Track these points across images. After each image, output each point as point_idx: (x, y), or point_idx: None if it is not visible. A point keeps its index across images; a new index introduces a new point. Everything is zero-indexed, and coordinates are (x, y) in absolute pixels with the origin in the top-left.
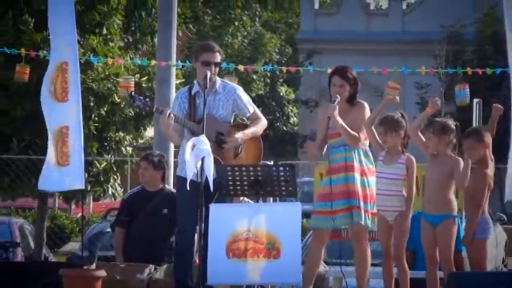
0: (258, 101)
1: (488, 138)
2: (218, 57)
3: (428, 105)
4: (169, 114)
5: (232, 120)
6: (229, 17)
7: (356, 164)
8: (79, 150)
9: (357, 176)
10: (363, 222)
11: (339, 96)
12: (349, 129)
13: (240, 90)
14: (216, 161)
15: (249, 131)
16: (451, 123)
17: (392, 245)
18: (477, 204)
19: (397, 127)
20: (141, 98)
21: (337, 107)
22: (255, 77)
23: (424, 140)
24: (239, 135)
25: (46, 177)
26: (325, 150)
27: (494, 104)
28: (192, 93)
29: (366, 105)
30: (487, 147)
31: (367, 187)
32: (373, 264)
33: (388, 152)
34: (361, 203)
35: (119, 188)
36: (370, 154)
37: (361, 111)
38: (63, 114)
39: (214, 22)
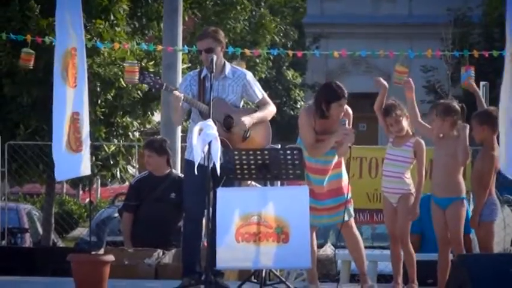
0: (264, 85)
1: (492, 120)
2: (209, 43)
3: (406, 91)
4: (179, 94)
5: (241, 106)
6: (230, 1)
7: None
8: (87, 136)
9: (331, 172)
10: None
11: (346, 120)
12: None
13: (250, 76)
14: (224, 144)
15: (257, 116)
16: (455, 104)
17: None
18: (484, 186)
19: (401, 113)
20: (152, 75)
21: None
22: (257, 60)
23: (427, 126)
24: (247, 119)
25: (61, 166)
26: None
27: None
28: (202, 76)
29: (350, 111)
30: (490, 129)
31: (344, 178)
32: (380, 247)
33: (397, 135)
34: (341, 197)
35: (131, 171)
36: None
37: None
38: (74, 100)
39: (216, 7)
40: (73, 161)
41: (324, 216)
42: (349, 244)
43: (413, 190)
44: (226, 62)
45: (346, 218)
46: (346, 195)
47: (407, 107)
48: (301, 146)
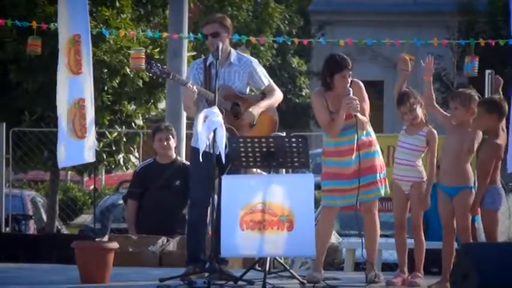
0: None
1: (500, 109)
2: (215, 28)
3: (424, 74)
4: (193, 86)
5: (247, 92)
6: None
7: (365, 138)
8: (92, 123)
9: (368, 149)
10: (383, 194)
11: (351, 89)
12: (361, 117)
13: (256, 63)
14: (231, 132)
15: (264, 104)
16: (475, 93)
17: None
18: (484, 173)
19: (419, 99)
20: (158, 64)
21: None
22: (262, 48)
23: (442, 111)
24: (255, 109)
25: (65, 152)
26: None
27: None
28: (207, 64)
29: (361, 83)
30: (497, 118)
31: (375, 157)
32: (385, 236)
33: (412, 123)
34: (375, 175)
35: (133, 159)
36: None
37: (361, 93)
38: (79, 87)
39: None
40: (77, 148)
41: (353, 195)
42: (366, 229)
43: (425, 178)
44: (232, 49)
45: (382, 194)
46: (379, 173)
47: (423, 89)
48: (325, 138)
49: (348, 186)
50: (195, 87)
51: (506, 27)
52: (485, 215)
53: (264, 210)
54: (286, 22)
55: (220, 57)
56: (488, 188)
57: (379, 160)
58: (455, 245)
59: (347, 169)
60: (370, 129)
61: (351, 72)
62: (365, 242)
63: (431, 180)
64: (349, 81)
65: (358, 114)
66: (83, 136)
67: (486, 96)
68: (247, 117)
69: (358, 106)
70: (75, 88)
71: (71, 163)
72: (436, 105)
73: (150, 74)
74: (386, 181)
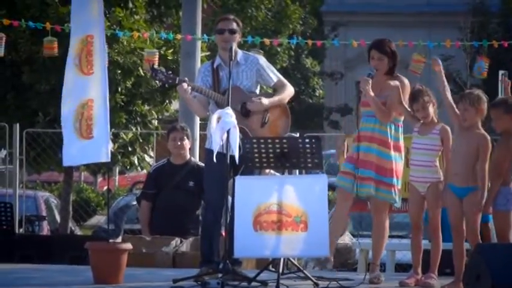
0: (283, 73)
1: None
2: (233, 25)
3: (434, 67)
4: (186, 85)
5: (258, 91)
6: None
7: (386, 138)
8: (105, 123)
9: (390, 151)
10: (392, 200)
11: (375, 70)
12: (379, 104)
13: (263, 60)
14: (242, 131)
15: (275, 98)
16: (483, 94)
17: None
18: (498, 173)
19: (432, 98)
20: (163, 71)
21: (370, 81)
22: (279, 49)
23: (455, 108)
24: (264, 100)
25: (69, 151)
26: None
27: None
28: (215, 66)
29: (406, 80)
30: None
31: (398, 162)
32: (399, 236)
33: (424, 123)
34: (394, 180)
35: (148, 159)
36: (400, 130)
37: (396, 88)
38: (89, 87)
39: None
40: (83, 148)
41: (365, 185)
42: (374, 230)
43: (442, 178)
44: (238, 49)
45: (390, 200)
46: (394, 179)
47: (440, 84)
48: None
49: (360, 174)
50: (188, 87)
51: None
52: (498, 217)
53: (280, 211)
54: (301, 23)
55: (233, 58)
56: (501, 189)
57: (399, 166)
58: (467, 246)
59: (364, 155)
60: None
61: (380, 55)
62: (372, 243)
63: (447, 179)
64: (380, 63)
65: (371, 95)
66: (88, 137)
67: (499, 96)
68: (254, 104)
69: (367, 83)
70: (84, 89)
71: (75, 162)
72: (450, 98)
73: (158, 81)
74: (398, 190)
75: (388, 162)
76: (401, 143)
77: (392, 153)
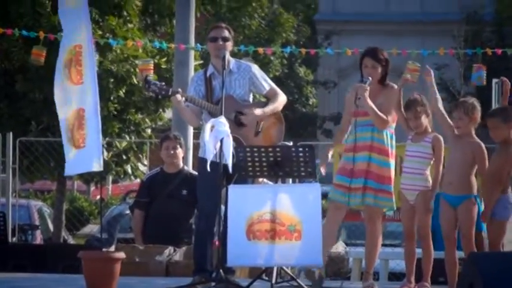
0: (276, 82)
1: None
2: (226, 33)
3: (426, 77)
4: (180, 96)
5: (251, 100)
6: None
7: (383, 146)
8: (96, 132)
9: (389, 159)
10: (392, 207)
11: (370, 78)
12: (377, 110)
13: (255, 68)
14: (236, 140)
15: (269, 108)
16: (477, 102)
17: (415, 225)
18: (498, 182)
19: (426, 108)
20: (157, 82)
21: (368, 88)
22: (272, 58)
23: (447, 118)
24: (258, 111)
25: (67, 161)
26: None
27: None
28: (208, 75)
29: (396, 88)
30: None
31: (390, 168)
32: (392, 245)
33: (417, 132)
34: (392, 187)
35: (141, 168)
36: (394, 138)
37: (392, 94)
38: (79, 97)
39: (232, 3)
40: (77, 157)
41: (358, 196)
42: (367, 239)
43: (431, 187)
44: (231, 57)
45: (380, 206)
46: (391, 186)
47: (431, 93)
48: None
49: (352, 185)
50: (181, 98)
51: None
52: (495, 225)
53: (273, 220)
54: (294, 31)
55: (226, 67)
56: (500, 197)
57: (389, 172)
58: (461, 254)
59: (346, 163)
60: (390, 140)
61: (373, 62)
62: (365, 252)
63: (436, 187)
64: (373, 71)
65: (369, 103)
66: (81, 146)
67: (493, 105)
68: (249, 116)
69: (366, 90)
70: (74, 98)
71: (71, 172)
72: (442, 109)
73: (150, 93)
74: (393, 196)
75: (387, 170)
76: (394, 151)
77: (391, 160)
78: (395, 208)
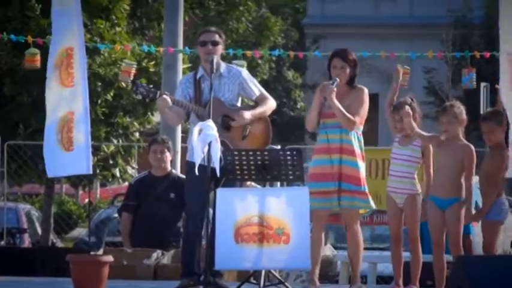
0: (264, 85)
1: (506, 118)
2: (216, 37)
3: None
4: (166, 97)
5: (239, 104)
6: (233, 1)
7: (351, 147)
8: (86, 135)
9: (351, 158)
10: (371, 208)
11: (338, 79)
12: (344, 111)
13: (245, 73)
14: (223, 144)
15: (257, 111)
16: (461, 104)
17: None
18: (494, 184)
19: (413, 112)
20: (144, 85)
21: (335, 89)
22: (260, 61)
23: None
24: (247, 114)
25: (52, 163)
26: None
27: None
28: (197, 77)
29: (366, 90)
30: (504, 129)
31: (360, 170)
32: (379, 249)
33: (405, 135)
34: (366, 187)
35: (130, 171)
36: (362, 139)
37: (360, 95)
38: (69, 100)
39: (219, 7)
40: (65, 160)
41: (333, 199)
42: (349, 244)
43: (420, 191)
44: (221, 61)
45: (357, 207)
46: (362, 186)
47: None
48: None
49: (326, 188)
50: (168, 99)
51: None
52: (489, 227)
53: (261, 223)
54: (282, 35)
55: (215, 71)
56: (495, 199)
57: (360, 173)
58: (449, 258)
59: (322, 168)
60: (358, 142)
61: (342, 63)
62: (350, 255)
63: (428, 192)
64: (343, 72)
65: (336, 103)
66: (69, 149)
67: (481, 108)
68: (238, 120)
69: (333, 91)
70: (65, 101)
71: (58, 174)
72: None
73: (139, 96)
74: (369, 196)
75: (359, 171)
76: (362, 152)
77: (359, 161)
78: (374, 208)
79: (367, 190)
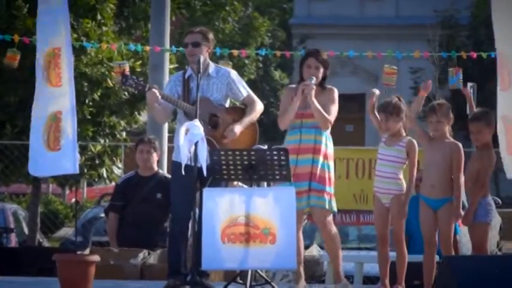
0: (251, 85)
1: (495, 119)
2: (197, 38)
3: (422, 88)
4: (155, 90)
5: (227, 104)
6: (219, 2)
7: (323, 148)
8: (73, 135)
9: (321, 159)
10: (326, 206)
11: (314, 78)
12: (322, 111)
13: (234, 74)
14: (209, 143)
15: (247, 120)
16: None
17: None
18: (480, 184)
19: (398, 111)
20: (134, 77)
21: (314, 88)
22: (246, 61)
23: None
24: (237, 128)
25: (37, 162)
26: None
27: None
28: (186, 76)
29: (336, 90)
30: (493, 129)
31: (328, 171)
32: (366, 249)
33: (390, 135)
34: (332, 188)
35: (116, 171)
36: (331, 139)
37: (332, 96)
38: (57, 99)
39: (205, 8)
40: (51, 159)
41: (303, 199)
42: (326, 243)
43: (405, 191)
44: (211, 62)
45: (326, 207)
46: (328, 187)
47: (415, 103)
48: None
49: (298, 188)
50: (157, 93)
51: (487, 41)
52: (478, 228)
53: (247, 223)
54: (269, 35)
55: (201, 71)
56: (480, 200)
57: (330, 174)
58: (437, 258)
59: (302, 168)
60: (329, 142)
61: (317, 63)
62: (328, 255)
63: (410, 191)
64: (317, 72)
65: (315, 102)
66: (56, 148)
67: (468, 109)
68: (230, 136)
69: (313, 90)
70: (53, 100)
71: (42, 173)
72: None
73: (128, 87)
74: (334, 198)
75: (329, 172)
76: (332, 152)
77: (329, 162)
78: (335, 210)
79: (332, 191)
